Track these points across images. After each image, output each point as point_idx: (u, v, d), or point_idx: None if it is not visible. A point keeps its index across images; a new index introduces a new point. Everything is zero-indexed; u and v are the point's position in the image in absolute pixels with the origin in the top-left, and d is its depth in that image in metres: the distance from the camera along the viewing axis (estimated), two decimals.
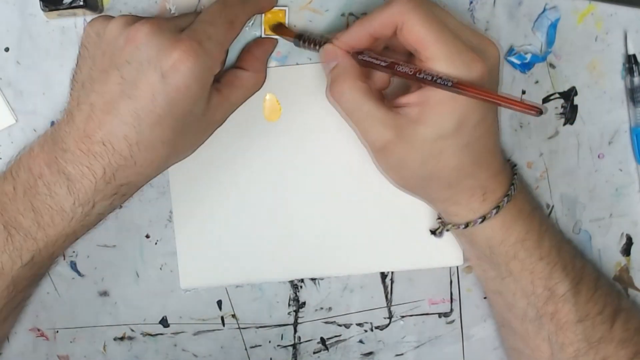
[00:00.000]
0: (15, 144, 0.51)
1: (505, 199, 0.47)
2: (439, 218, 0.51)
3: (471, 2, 0.52)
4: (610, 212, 0.55)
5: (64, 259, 0.52)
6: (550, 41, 0.52)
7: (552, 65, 0.53)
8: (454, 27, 0.44)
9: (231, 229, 0.52)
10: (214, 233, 0.52)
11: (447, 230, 0.50)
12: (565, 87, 0.53)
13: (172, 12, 0.50)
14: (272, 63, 0.51)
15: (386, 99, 0.47)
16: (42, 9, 0.47)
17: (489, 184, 0.46)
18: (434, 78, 0.42)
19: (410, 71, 0.44)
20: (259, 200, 0.52)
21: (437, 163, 0.44)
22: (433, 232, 0.52)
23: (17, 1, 0.50)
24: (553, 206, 0.54)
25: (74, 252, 0.52)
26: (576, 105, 0.53)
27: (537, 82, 0.53)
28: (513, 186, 0.47)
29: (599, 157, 0.54)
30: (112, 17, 0.45)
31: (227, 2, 0.46)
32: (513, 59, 0.52)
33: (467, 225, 0.47)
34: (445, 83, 0.42)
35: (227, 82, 0.48)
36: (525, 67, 0.52)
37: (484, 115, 0.44)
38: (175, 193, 0.52)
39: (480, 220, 0.47)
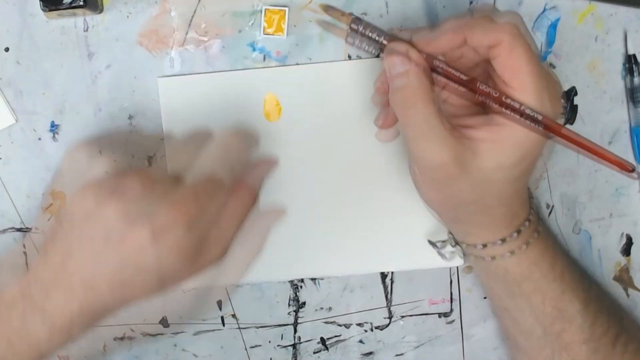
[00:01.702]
0: (16, 144, 0.51)
1: (527, 223, 0.46)
2: (451, 233, 0.50)
3: (471, 2, 0.52)
4: (610, 212, 0.55)
5: None
6: (550, 41, 0.52)
7: (552, 65, 0.53)
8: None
9: None
10: None
11: (454, 246, 0.50)
12: (565, 87, 0.53)
13: (172, 12, 0.50)
14: (272, 63, 0.51)
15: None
16: (42, 9, 0.47)
17: (517, 210, 0.46)
18: (522, 107, 0.41)
19: (495, 93, 0.41)
20: (258, 200, 0.52)
21: (485, 190, 0.43)
22: (433, 244, 0.51)
23: (17, 1, 0.49)
24: (553, 206, 0.54)
25: None
26: (576, 105, 0.53)
27: None
28: (532, 210, 0.47)
29: None
30: (97, 156, 0.44)
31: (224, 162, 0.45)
32: None
33: (485, 246, 0.47)
34: (535, 117, 0.40)
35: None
36: None
37: (541, 150, 0.43)
38: None
39: (500, 242, 0.46)
